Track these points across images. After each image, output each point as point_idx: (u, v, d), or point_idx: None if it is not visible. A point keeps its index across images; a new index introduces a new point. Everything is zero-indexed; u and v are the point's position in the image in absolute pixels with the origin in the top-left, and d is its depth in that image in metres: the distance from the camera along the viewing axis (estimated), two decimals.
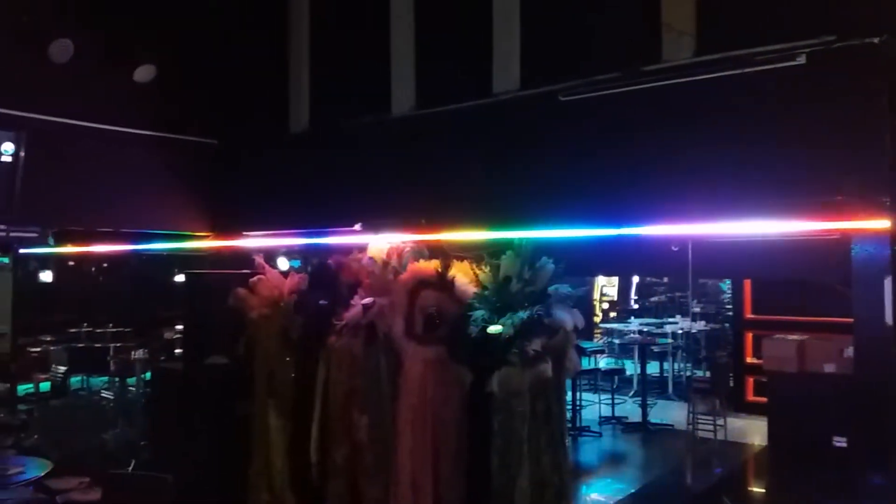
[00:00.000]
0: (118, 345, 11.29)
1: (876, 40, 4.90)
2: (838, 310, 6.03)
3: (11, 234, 9.07)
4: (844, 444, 6.81)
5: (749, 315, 10.75)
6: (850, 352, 6.29)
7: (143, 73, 7.53)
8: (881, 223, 4.85)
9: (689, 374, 11.80)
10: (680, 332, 12.22)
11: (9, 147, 6.81)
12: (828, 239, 5.17)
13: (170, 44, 8.02)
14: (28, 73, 6.81)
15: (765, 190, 5.24)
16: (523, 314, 4.48)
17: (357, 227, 7.12)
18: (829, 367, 7.30)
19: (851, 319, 5.11)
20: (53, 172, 7.17)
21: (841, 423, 6.73)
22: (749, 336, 10.69)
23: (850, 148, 5.05)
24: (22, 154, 6.87)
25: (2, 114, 6.78)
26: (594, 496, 7.32)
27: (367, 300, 5.16)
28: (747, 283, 10.72)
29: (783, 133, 5.30)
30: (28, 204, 7.05)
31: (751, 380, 10.50)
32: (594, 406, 10.54)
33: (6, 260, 10.72)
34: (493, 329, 4.51)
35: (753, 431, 9.20)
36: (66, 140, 7.31)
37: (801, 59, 5.15)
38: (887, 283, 4.87)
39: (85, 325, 12.36)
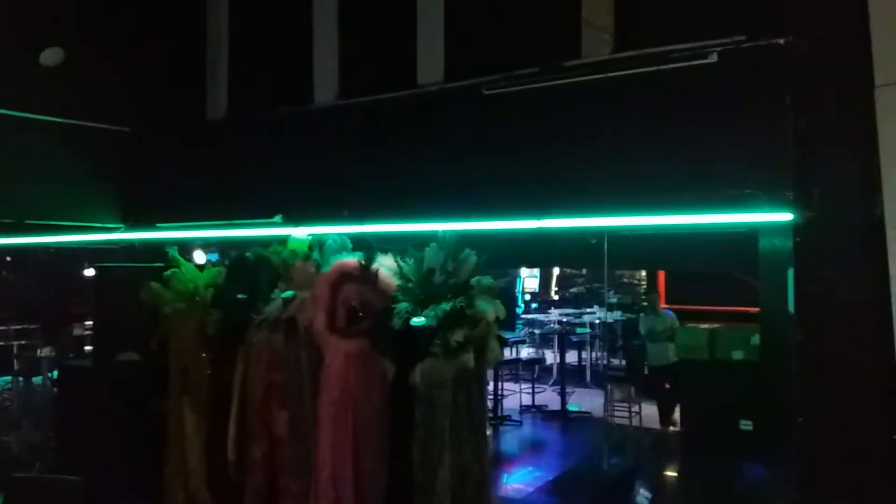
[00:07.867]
0: (23, 342, 10.84)
1: (782, 41, 5.14)
2: (747, 300, 6.30)
3: None
4: (751, 428, 7.12)
5: (663, 305, 11.10)
6: (756, 339, 6.59)
7: (50, 56, 7.15)
8: (785, 216, 5.10)
9: (605, 363, 12.11)
10: (597, 322, 12.52)
11: None
12: (737, 231, 5.39)
13: (80, 26, 7.66)
14: None
15: (678, 184, 5.43)
16: (446, 306, 4.49)
17: (277, 218, 6.99)
18: (738, 355, 7.61)
19: (758, 309, 5.36)
20: None
21: (747, 408, 7.04)
22: None
23: (756, 144, 5.28)
24: None
25: None
26: (515, 484, 7.44)
27: (288, 294, 5.06)
28: (661, 274, 11.08)
29: (695, 129, 5.50)
30: None
31: None
32: (515, 395, 10.71)
33: None
34: (417, 321, 4.51)
35: None
36: None
37: (713, 58, 5.36)
38: (790, 274, 5.13)
39: None
